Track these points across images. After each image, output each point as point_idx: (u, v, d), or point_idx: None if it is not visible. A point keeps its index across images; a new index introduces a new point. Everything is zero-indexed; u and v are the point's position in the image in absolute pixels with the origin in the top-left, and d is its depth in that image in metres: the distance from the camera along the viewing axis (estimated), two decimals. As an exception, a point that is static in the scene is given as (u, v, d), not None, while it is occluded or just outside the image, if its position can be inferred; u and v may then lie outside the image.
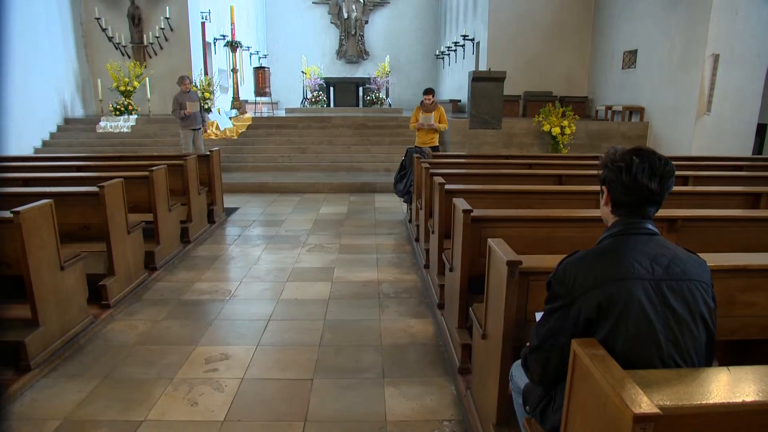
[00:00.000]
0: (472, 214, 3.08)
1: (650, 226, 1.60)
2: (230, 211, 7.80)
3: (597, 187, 4.98)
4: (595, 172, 1.81)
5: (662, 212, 2.94)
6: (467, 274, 3.22)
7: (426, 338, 3.80)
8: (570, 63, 15.05)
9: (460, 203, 3.20)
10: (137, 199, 5.05)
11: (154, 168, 4.95)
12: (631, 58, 12.52)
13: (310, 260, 5.55)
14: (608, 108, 12.77)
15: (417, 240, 5.97)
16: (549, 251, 3.33)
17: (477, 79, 10.75)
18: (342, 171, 10.83)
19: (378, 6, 24.17)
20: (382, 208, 8.20)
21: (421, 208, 5.47)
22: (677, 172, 1.74)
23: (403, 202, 7.18)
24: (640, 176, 1.53)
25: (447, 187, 4.06)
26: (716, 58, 9.45)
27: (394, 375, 3.29)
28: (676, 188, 3.06)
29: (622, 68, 12.84)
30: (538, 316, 2.22)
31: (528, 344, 1.78)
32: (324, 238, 6.42)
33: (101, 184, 4.02)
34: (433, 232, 4.44)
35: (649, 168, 1.53)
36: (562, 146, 10.68)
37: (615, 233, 1.61)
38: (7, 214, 3.14)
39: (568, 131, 10.67)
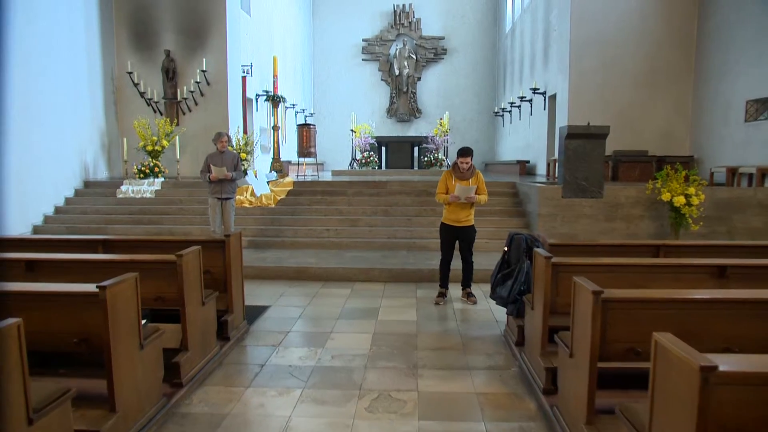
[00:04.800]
0: None
1: None
2: (256, 314, 5.65)
3: None
4: None
5: None
6: None
7: None
8: (667, 117, 12.69)
9: None
10: (85, 328, 2.93)
11: (107, 284, 2.81)
12: (758, 109, 10.07)
13: (374, 435, 3.23)
14: (731, 170, 10.21)
15: (546, 393, 3.58)
16: None
17: (573, 135, 8.48)
18: (402, 249, 8.61)
19: (431, 62, 22.80)
20: (463, 310, 5.87)
21: (570, 355, 3.10)
22: None
23: (507, 314, 4.76)
24: None
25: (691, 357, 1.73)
26: None
27: None
28: None
29: (746, 121, 10.38)
30: None
31: None
32: (391, 375, 4.11)
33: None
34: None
35: None
36: (690, 221, 8.15)
37: None
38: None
39: (695, 201, 8.16)
